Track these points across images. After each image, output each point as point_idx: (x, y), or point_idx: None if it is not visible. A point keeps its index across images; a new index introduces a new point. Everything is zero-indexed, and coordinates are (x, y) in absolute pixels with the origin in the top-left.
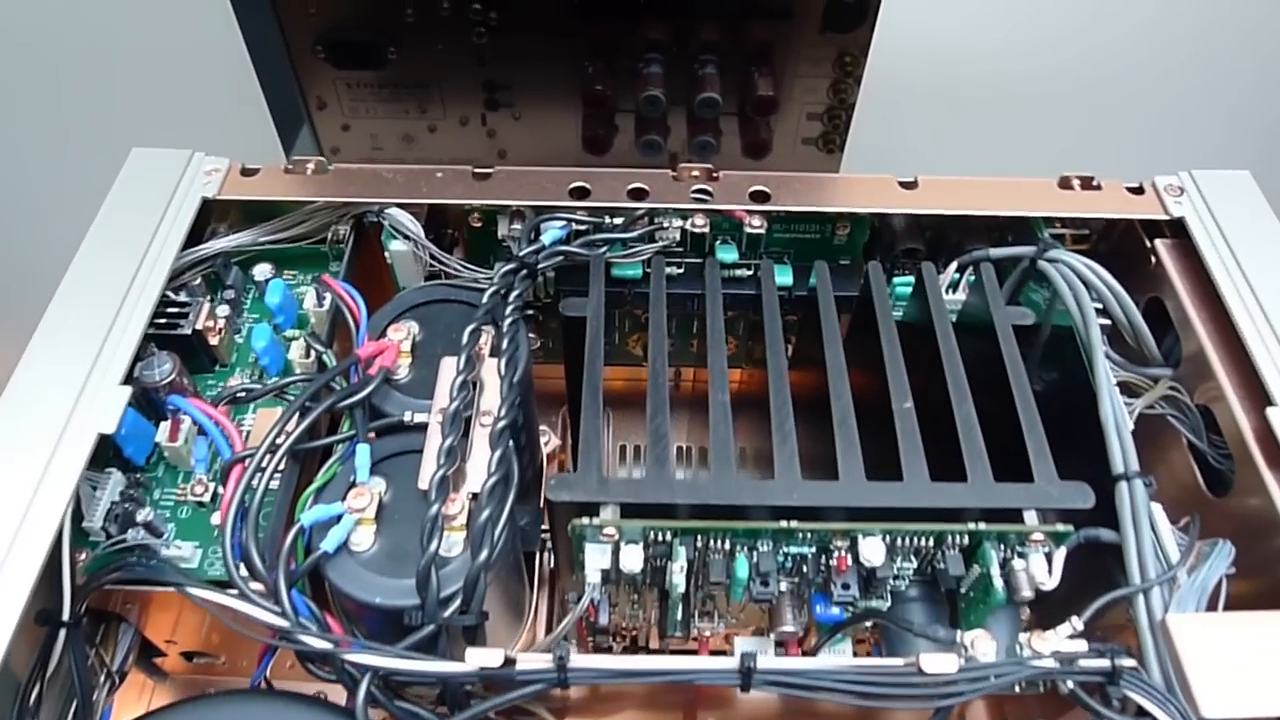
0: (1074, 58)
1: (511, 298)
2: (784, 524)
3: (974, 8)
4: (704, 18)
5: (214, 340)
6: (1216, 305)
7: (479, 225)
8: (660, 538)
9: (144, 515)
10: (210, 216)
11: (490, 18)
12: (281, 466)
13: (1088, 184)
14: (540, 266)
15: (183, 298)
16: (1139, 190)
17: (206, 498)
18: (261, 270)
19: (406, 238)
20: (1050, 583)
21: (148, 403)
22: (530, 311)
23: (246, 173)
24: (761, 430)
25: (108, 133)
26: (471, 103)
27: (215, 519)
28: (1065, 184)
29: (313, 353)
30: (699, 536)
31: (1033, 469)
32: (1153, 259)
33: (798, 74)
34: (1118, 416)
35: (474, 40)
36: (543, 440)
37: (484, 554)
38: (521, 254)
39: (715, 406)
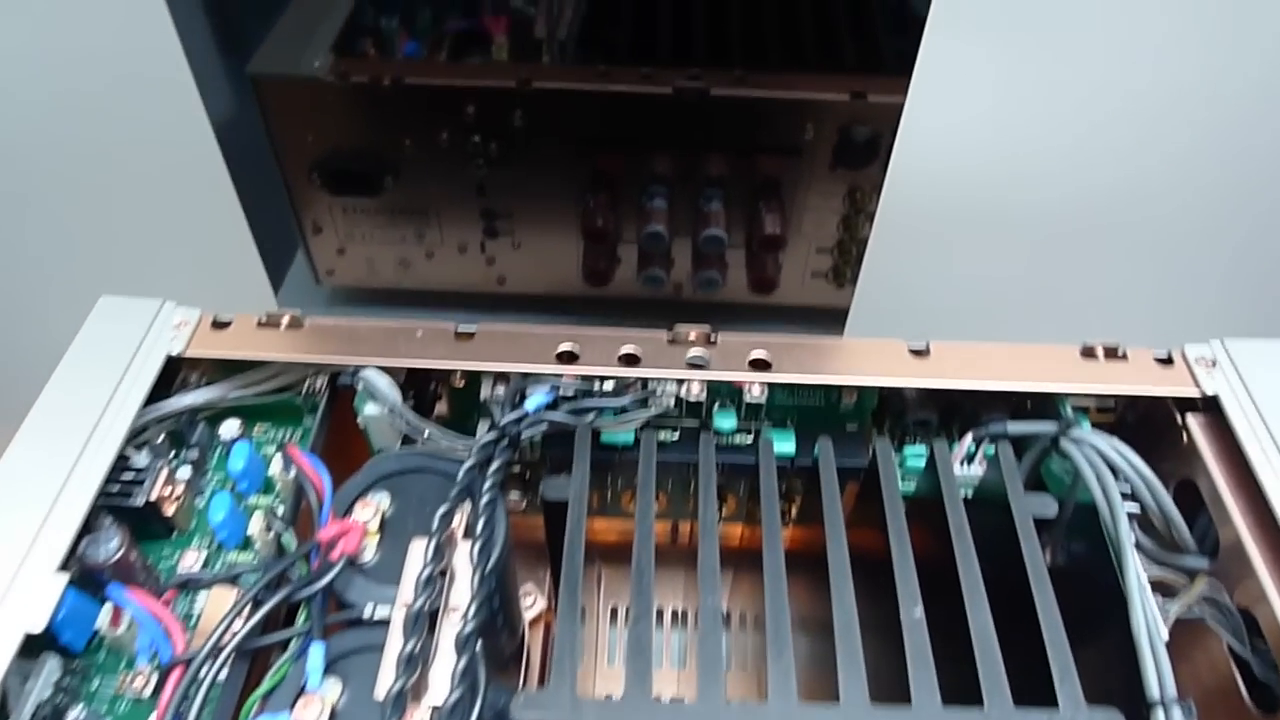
0: (1100, 199)
1: (489, 471)
2: None
3: (993, 138)
4: (710, 152)
5: (170, 510)
6: (1255, 492)
7: (462, 385)
8: None
9: (76, 714)
10: (179, 369)
11: (490, 149)
12: (227, 665)
13: (1112, 354)
14: (523, 436)
15: (141, 460)
16: (1168, 361)
17: (147, 692)
18: (229, 428)
19: (381, 402)
20: None
21: (93, 580)
22: (517, 469)
23: (218, 325)
24: (761, 596)
25: (87, 268)
26: (470, 230)
27: None
28: (1089, 353)
29: (274, 529)
30: None
31: (1057, 694)
32: (1184, 436)
33: (807, 208)
34: (1152, 634)
35: (473, 171)
36: (528, 601)
37: None
38: (502, 422)
39: (704, 614)
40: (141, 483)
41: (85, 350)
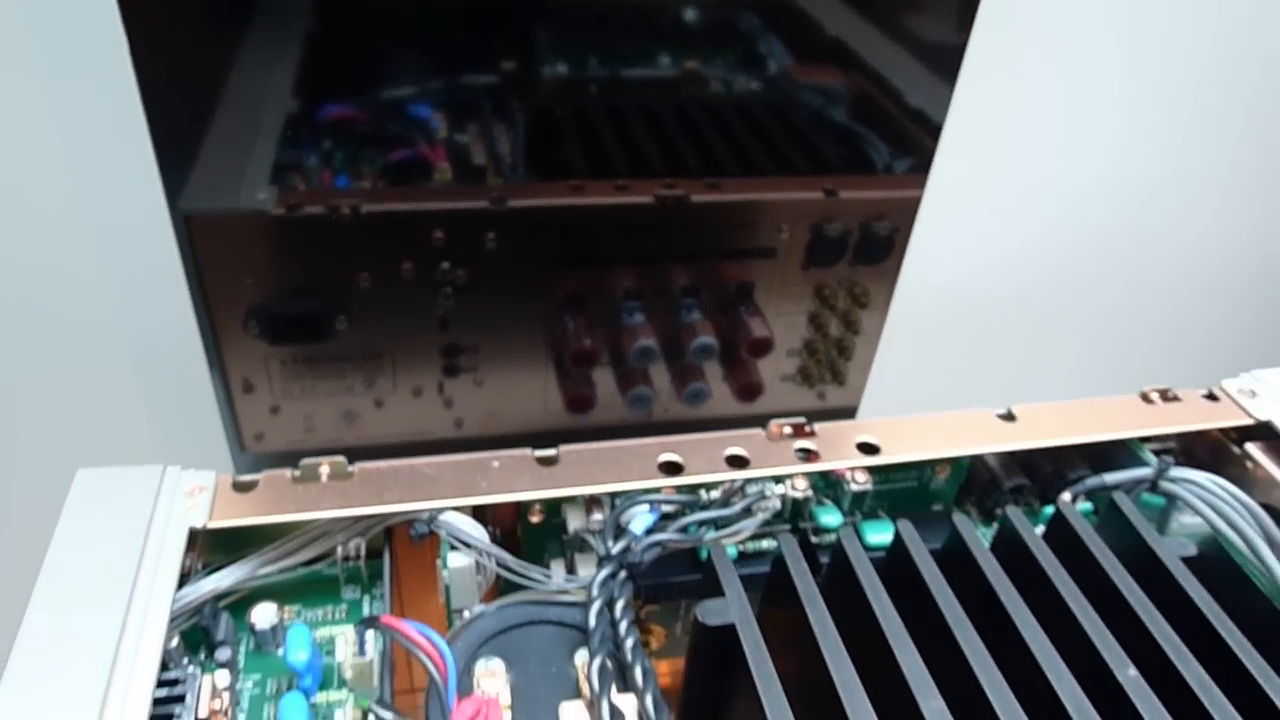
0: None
1: (618, 610)
2: None
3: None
4: (683, 262)
5: None
6: None
7: (539, 520)
8: None
9: None
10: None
11: (458, 277)
12: None
13: (1166, 396)
14: (643, 564)
15: (171, 673)
16: (1213, 397)
17: None
18: (264, 614)
19: (470, 547)
20: None
21: None
22: None
23: (241, 487)
24: None
25: None
26: (428, 371)
27: None
28: (1146, 399)
29: None
30: None
31: None
32: (1248, 464)
33: (779, 313)
34: None
35: (439, 303)
36: None
37: None
38: (614, 551)
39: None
40: (182, 698)
41: (78, 536)
